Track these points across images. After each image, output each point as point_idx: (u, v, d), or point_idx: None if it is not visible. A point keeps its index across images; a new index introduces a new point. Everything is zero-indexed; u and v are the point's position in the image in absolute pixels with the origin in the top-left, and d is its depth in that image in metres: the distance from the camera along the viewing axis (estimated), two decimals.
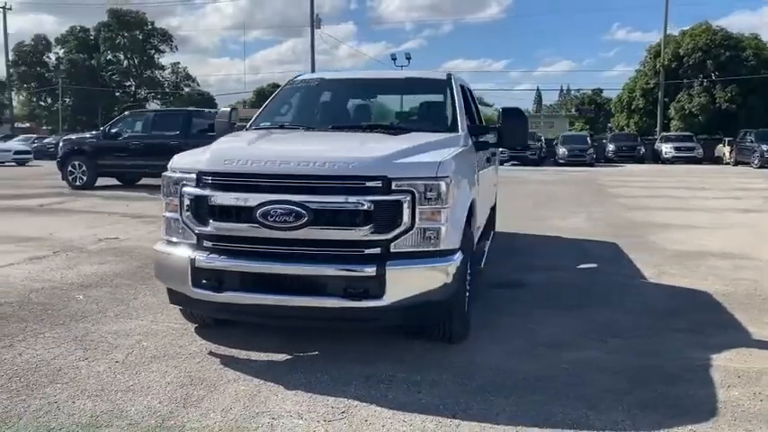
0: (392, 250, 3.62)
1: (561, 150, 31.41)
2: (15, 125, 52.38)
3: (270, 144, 4.30)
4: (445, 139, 4.47)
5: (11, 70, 52.60)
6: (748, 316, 4.92)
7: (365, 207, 3.56)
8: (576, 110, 50.84)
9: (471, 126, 4.98)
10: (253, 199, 3.63)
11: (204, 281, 3.76)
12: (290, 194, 3.59)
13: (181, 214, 3.86)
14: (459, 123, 4.83)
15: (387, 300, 3.58)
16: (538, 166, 30.22)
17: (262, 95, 64.94)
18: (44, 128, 56.22)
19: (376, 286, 3.55)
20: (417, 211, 3.61)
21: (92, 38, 57.67)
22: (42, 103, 57.97)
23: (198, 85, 63.03)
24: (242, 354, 4.00)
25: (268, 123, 5.14)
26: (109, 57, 57.74)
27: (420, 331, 4.21)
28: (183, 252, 3.83)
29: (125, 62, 59.32)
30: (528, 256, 7.38)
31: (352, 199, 3.56)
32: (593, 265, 6.94)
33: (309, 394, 3.37)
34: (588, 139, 33.69)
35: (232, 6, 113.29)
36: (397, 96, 5.56)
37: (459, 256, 3.81)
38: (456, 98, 5.04)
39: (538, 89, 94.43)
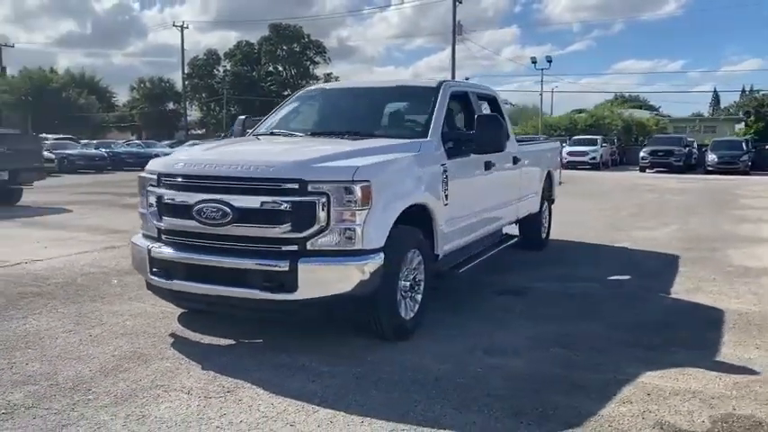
0: (308, 248, 3.90)
1: (710, 157, 29.01)
2: (189, 132, 58.14)
3: (220, 149, 4.75)
4: (397, 144, 4.66)
5: (186, 82, 58.39)
6: (740, 337, 4.56)
7: (283, 207, 3.87)
8: (744, 113, 46.22)
9: (447, 132, 5.06)
10: (192, 198, 4.09)
11: (156, 269, 4.28)
12: (220, 194, 4.00)
13: (147, 210, 4.41)
14: (430, 130, 4.96)
15: (301, 294, 3.86)
16: (683, 173, 28.19)
17: None
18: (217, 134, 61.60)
19: (290, 280, 3.84)
20: (333, 212, 3.86)
21: (255, 51, 62.50)
22: (212, 112, 63.68)
23: None
24: (197, 337, 4.46)
25: (264, 130, 5.60)
26: (270, 68, 62.15)
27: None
28: (144, 243, 4.38)
29: (283, 73, 63.49)
30: (566, 265, 7.19)
31: (271, 199, 3.89)
32: (626, 277, 6.63)
33: (216, 374, 3.74)
34: (745, 144, 30.71)
35: (398, 16, 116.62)
36: (386, 103, 5.74)
37: (378, 256, 3.99)
38: (437, 106, 5.16)
39: (715, 90, 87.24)
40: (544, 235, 8.24)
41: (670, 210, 13.06)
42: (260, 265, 3.90)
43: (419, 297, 4.60)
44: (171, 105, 60.00)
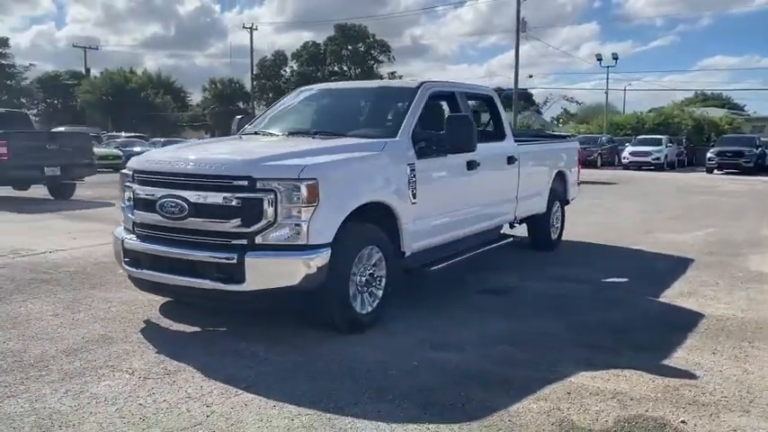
0: (257, 242, 4.11)
1: None
2: None
3: (191, 147, 5.03)
4: (362, 144, 4.83)
5: (254, 83, 60.08)
6: (703, 342, 4.48)
7: (233, 203, 4.11)
8: None
9: (419, 132, 5.16)
10: (157, 193, 4.39)
11: (128, 259, 4.60)
12: (178, 190, 4.27)
13: (124, 205, 4.74)
14: (400, 130, 5.08)
15: (248, 285, 4.08)
16: (753, 174, 26.91)
17: None
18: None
19: (238, 272, 4.07)
20: (279, 208, 4.06)
21: (321, 52, 63.63)
22: None
23: None
24: (167, 323, 4.76)
25: (250, 130, 5.86)
26: (334, 68, 63.16)
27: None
28: (121, 235, 4.72)
29: (348, 73, 64.35)
30: (568, 266, 7.13)
31: (222, 195, 4.13)
32: (623, 280, 6.53)
33: (165, 358, 4.00)
34: None
35: (471, 13, 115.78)
36: (366, 103, 5.87)
37: (325, 252, 4.16)
38: (411, 106, 5.27)
39: None
40: (555, 236, 8.16)
41: (716, 213, 12.59)
42: (211, 257, 4.15)
43: (379, 292, 4.74)
44: (241, 105, 61.86)
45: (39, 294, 5.51)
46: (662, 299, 5.74)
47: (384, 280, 4.77)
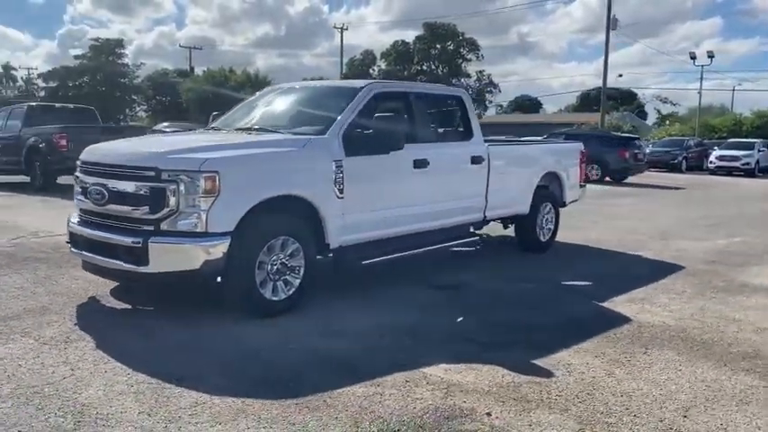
0: (162, 228, 4.51)
1: None
2: None
3: (128, 141, 5.49)
4: (285, 140, 5.20)
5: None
6: (596, 345, 4.48)
7: (142, 192, 4.53)
8: None
9: (353, 131, 5.37)
10: (89, 181, 4.89)
11: (70, 240, 5.14)
12: (102, 179, 4.75)
13: (75, 191, 5.29)
14: (330, 128, 5.33)
15: (152, 268, 4.49)
16: None
17: (586, 100, 64.97)
18: None
19: (143, 255, 4.48)
20: (181, 198, 4.44)
21: (410, 51, 64.08)
22: None
23: (500, 91, 65.73)
24: (107, 301, 5.25)
25: (213, 125, 6.30)
26: (422, 67, 63.44)
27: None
28: (70, 219, 5.27)
29: (437, 71, 64.44)
30: (543, 268, 7.11)
31: (134, 184, 4.57)
32: (585, 283, 6.46)
33: (76, 328, 4.47)
34: None
35: (582, 10, 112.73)
36: (314, 102, 6.12)
37: (224, 240, 4.50)
38: (348, 106, 5.51)
39: None
40: (544, 238, 8.10)
41: (758, 223, 11.90)
42: (123, 240, 4.59)
43: (296, 281, 5.01)
44: None
45: (21, 270, 6.18)
46: (605, 303, 5.66)
47: (302, 270, 5.04)
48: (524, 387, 3.66)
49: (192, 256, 4.46)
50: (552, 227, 8.26)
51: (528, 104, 67.90)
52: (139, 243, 4.47)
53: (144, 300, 5.25)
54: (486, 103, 66.27)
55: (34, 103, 18.01)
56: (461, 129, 6.87)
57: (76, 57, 73.12)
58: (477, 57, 64.72)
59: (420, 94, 6.30)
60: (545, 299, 5.79)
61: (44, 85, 74.76)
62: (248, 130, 5.73)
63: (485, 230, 8.29)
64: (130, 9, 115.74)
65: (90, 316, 4.82)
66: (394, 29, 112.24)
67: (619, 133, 29.52)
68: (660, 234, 9.94)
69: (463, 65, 64.88)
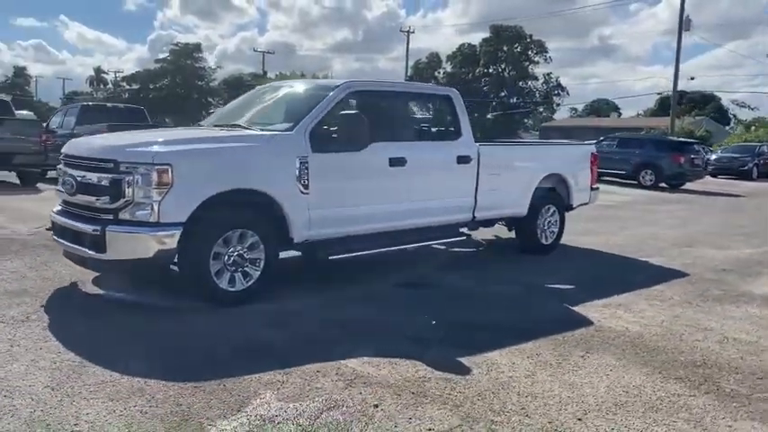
0: (120, 217, 4.75)
1: None
2: None
3: (101, 136, 5.77)
4: (249, 136, 5.41)
5: None
6: (538, 347, 4.42)
7: (103, 182, 4.79)
8: None
9: (322, 128, 5.48)
10: (64, 172, 5.19)
11: (51, 228, 5.46)
12: (72, 170, 5.05)
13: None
14: (298, 125, 5.46)
15: (110, 255, 4.74)
16: None
17: (666, 103, 62.43)
18: None
19: (102, 243, 4.74)
20: (136, 189, 4.67)
21: (476, 53, 63.59)
22: None
23: (568, 94, 64.26)
24: (85, 286, 5.54)
25: (202, 122, 6.55)
26: (488, 70, 62.85)
27: None
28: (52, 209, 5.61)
29: (504, 74, 63.73)
30: (534, 271, 6.96)
31: (95, 176, 4.84)
32: (568, 287, 6.33)
33: (41, 311, 4.72)
34: None
35: (668, 11, 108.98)
36: (294, 100, 6.24)
37: (176, 230, 4.70)
38: (318, 104, 5.62)
39: None
40: (546, 240, 7.95)
41: None
42: (85, 228, 4.85)
43: (256, 273, 5.16)
44: None
45: (25, 256, 6.60)
46: (577, 307, 5.53)
47: (262, 262, 5.18)
48: (431, 383, 3.66)
49: (144, 245, 4.67)
50: (556, 230, 8.09)
51: (605, 108, 66.16)
52: (98, 231, 4.72)
53: (121, 286, 5.50)
54: (554, 105, 65.01)
55: (89, 103, 19.03)
56: (449, 128, 6.85)
57: (157, 60, 76.52)
58: (545, 59, 63.64)
59: (402, 93, 6.35)
60: (516, 301, 5.72)
61: (128, 87, 78.74)
62: (224, 126, 5.92)
63: (494, 232, 8.27)
64: (215, 15, 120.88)
65: (60, 299, 5.12)
66: (472, 32, 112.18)
67: (676, 137, 28.35)
68: (686, 241, 9.56)
69: (530, 67, 63.85)
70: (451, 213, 6.77)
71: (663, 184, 20.78)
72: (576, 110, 74.75)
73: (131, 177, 4.65)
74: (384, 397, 3.43)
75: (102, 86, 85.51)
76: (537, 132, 61.57)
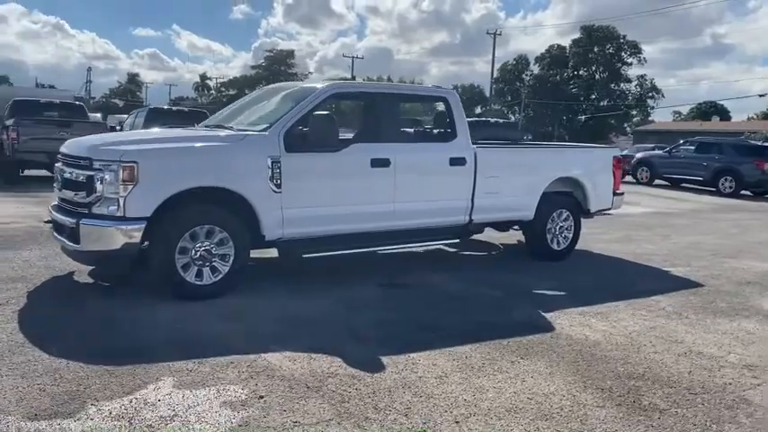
0: (93, 211, 5.09)
1: None
2: None
3: (89, 136, 6.14)
4: (223, 135, 5.63)
5: (492, 87, 60.85)
6: (477, 350, 4.36)
7: (80, 179, 5.15)
8: None
9: (292, 129, 5.62)
10: (59, 169, 5.61)
11: (50, 222, 5.90)
12: (61, 166, 5.44)
13: None
14: (272, 126, 5.63)
15: (83, 246, 5.08)
16: None
17: None
18: None
19: (75, 235, 5.09)
20: (104, 184, 4.99)
21: (567, 55, 61.84)
22: (514, 116, 65.20)
23: (663, 97, 61.24)
24: (82, 276, 5.95)
25: (206, 121, 6.87)
26: (579, 72, 61.01)
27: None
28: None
29: (596, 75, 61.63)
30: (534, 277, 6.83)
31: (75, 172, 5.20)
32: (557, 293, 6.15)
33: (25, 297, 5.14)
34: None
35: None
36: (280, 102, 6.37)
37: (140, 224, 4.98)
38: (296, 106, 5.77)
39: None
40: (558, 246, 7.72)
41: None
42: (65, 221, 5.22)
43: (225, 268, 5.37)
44: (477, 110, 63.23)
45: (45, 246, 7.09)
46: (550, 313, 5.36)
47: (231, 258, 5.38)
48: (335, 378, 3.70)
49: (111, 238, 4.97)
50: (570, 235, 7.84)
51: (712, 111, 62.61)
52: (74, 224, 5.07)
53: (114, 278, 5.86)
54: (648, 108, 62.14)
55: (156, 106, 20.14)
56: (443, 129, 6.81)
57: (253, 67, 79.66)
58: (640, 60, 60.94)
59: (389, 95, 6.36)
60: (489, 304, 5.63)
61: (227, 92, 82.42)
62: (211, 126, 6.18)
63: (518, 236, 8.15)
64: (317, 22, 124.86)
65: (48, 287, 5.52)
66: (573, 33, 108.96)
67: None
68: (730, 252, 9.02)
69: (622, 69, 61.36)
70: (444, 215, 6.71)
71: (746, 192, 19.50)
72: (679, 113, 71.11)
73: (102, 174, 4.96)
74: (275, 389, 3.51)
75: (205, 92, 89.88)
76: (631, 136, 59.06)
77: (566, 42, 63.20)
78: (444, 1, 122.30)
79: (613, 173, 8.20)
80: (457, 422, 3.23)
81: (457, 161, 6.61)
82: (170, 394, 3.40)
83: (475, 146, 6.83)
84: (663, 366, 4.20)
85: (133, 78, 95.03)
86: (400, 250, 7.12)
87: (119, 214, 4.95)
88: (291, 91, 6.59)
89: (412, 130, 6.91)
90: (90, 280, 5.83)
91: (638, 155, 23.51)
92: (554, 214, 7.62)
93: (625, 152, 22.52)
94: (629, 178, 24.36)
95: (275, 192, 5.49)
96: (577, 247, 8.42)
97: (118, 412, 3.16)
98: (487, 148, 7.07)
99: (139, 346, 4.13)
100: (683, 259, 8.22)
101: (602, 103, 61.48)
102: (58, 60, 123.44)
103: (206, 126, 6.41)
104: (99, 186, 4.97)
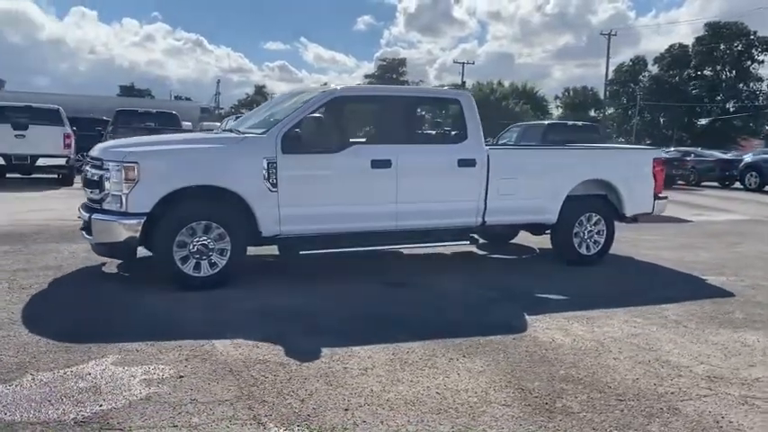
0: (103, 207, 5.64)
1: None
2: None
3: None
4: (224, 138, 6.03)
5: (607, 90, 58.40)
6: (424, 348, 4.41)
7: (95, 178, 5.73)
8: None
9: (290, 131, 5.90)
10: (84, 170, 6.25)
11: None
12: (87, 167, 6.05)
13: None
14: (271, 129, 5.97)
15: (95, 239, 5.65)
16: None
17: None
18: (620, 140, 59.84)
19: (90, 228, 5.67)
20: (110, 183, 5.53)
21: (689, 54, 58.14)
22: (630, 118, 62.05)
23: None
24: (109, 267, 6.56)
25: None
26: (702, 71, 57.15)
27: None
28: None
29: (722, 74, 57.48)
30: (547, 280, 6.73)
31: (92, 171, 5.78)
32: (560, 297, 6.02)
33: (45, 282, 5.79)
34: None
35: None
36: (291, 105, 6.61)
37: (140, 219, 5.46)
38: (296, 110, 6.07)
39: None
40: (588, 251, 7.49)
41: None
42: (83, 216, 5.80)
43: (223, 262, 5.75)
44: (592, 113, 60.88)
45: (41, 242, 7.84)
46: (533, 315, 5.27)
47: (229, 252, 5.75)
48: (262, 365, 3.91)
49: (115, 231, 5.49)
50: (602, 240, 7.57)
51: None
52: (88, 218, 5.64)
53: (137, 271, 6.41)
54: None
55: (241, 112, 21.21)
56: (453, 131, 6.83)
57: (366, 76, 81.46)
58: None
59: (395, 98, 6.49)
60: (472, 304, 5.59)
61: None
62: (226, 130, 6.60)
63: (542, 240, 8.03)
64: (437, 29, 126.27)
65: (74, 276, 6.14)
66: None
67: None
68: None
69: (752, 67, 56.73)
70: (453, 217, 6.73)
71: None
72: None
73: (109, 173, 5.50)
74: (199, 371, 3.78)
75: None
76: (762, 139, 54.59)
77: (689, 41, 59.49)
78: (569, 3, 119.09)
79: (654, 175, 7.83)
80: (346, 410, 3.33)
81: (466, 162, 6.61)
82: (104, 369, 3.75)
83: (488, 147, 6.80)
84: (610, 372, 4.06)
85: (260, 90, 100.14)
86: (424, 251, 7.21)
87: (122, 210, 5.45)
88: (302, 95, 6.87)
89: (419, 131, 6.97)
90: (114, 271, 6.40)
91: (747, 159, 21.77)
92: (582, 218, 7.40)
93: (670, 153, 20.88)
94: (737, 184, 22.71)
95: (271, 191, 5.79)
96: (621, 253, 8.17)
97: (46, 381, 3.55)
98: (502, 150, 7.00)
99: (112, 327, 4.55)
100: (734, 269, 7.69)
101: (727, 105, 57.25)
102: (197, 75, 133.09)
103: (224, 130, 6.84)
104: (107, 184, 5.50)
